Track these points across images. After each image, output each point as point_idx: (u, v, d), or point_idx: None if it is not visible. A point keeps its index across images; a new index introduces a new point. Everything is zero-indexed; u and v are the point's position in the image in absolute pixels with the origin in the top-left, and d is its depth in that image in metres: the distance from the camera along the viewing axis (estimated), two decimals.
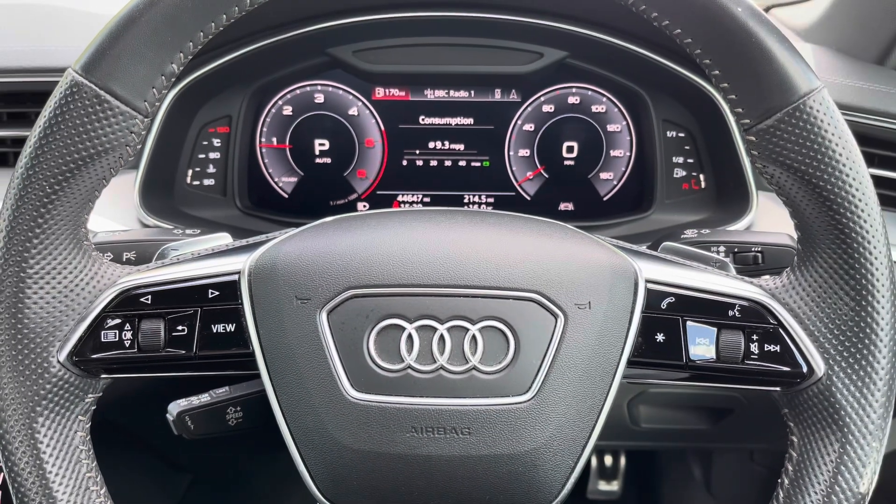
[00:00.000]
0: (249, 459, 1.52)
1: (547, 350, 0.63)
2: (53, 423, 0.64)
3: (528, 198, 1.19)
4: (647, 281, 0.67)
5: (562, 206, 1.20)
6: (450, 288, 0.64)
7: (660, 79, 1.07)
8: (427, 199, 1.19)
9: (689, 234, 0.88)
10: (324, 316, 0.64)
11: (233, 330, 0.66)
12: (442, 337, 0.63)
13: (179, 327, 0.66)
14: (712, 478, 1.72)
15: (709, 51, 0.61)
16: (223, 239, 0.80)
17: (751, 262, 0.83)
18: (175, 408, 0.87)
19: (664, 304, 0.67)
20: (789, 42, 0.60)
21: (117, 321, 0.66)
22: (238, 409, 0.89)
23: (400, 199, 1.19)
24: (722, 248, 0.85)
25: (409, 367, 0.63)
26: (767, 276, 0.68)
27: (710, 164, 1.12)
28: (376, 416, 0.63)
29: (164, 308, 0.66)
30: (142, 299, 0.66)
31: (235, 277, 0.67)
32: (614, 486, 1.86)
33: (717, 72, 0.61)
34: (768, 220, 1.04)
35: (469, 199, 1.19)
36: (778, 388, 0.67)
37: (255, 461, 1.56)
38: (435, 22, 1.04)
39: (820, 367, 0.64)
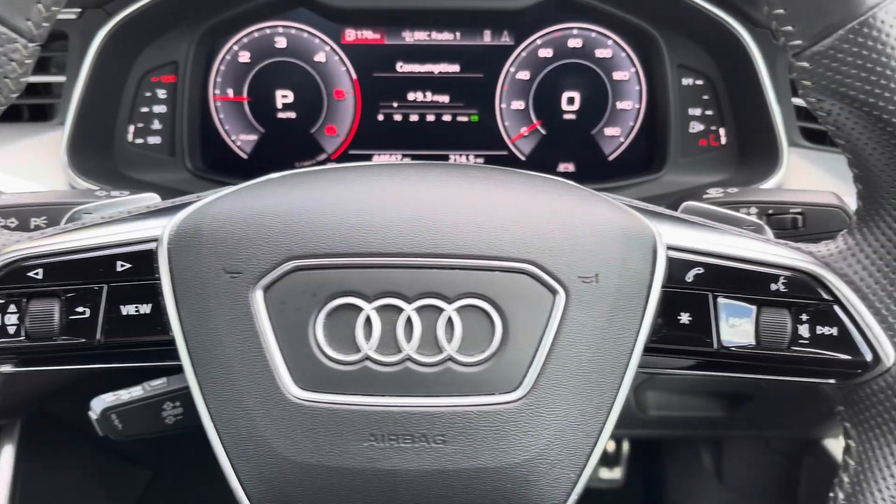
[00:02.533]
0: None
1: (543, 335, 0.50)
2: None
3: (523, 157, 1.05)
4: (669, 247, 0.54)
5: (561, 167, 1.05)
6: (418, 258, 0.50)
7: (675, 15, 0.92)
8: (407, 160, 1.04)
9: (714, 193, 0.74)
10: (258, 294, 0.50)
11: (148, 311, 0.53)
12: (409, 320, 0.50)
13: (79, 309, 0.53)
14: (723, 465, 1.60)
15: None
16: (150, 200, 0.66)
17: (789, 225, 0.69)
18: (99, 404, 0.73)
19: (690, 277, 0.54)
20: None
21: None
22: (177, 403, 0.75)
23: (376, 159, 1.04)
24: (754, 210, 0.71)
25: (368, 358, 0.50)
26: (821, 243, 0.55)
27: (733, 117, 0.97)
28: (326, 420, 0.50)
29: (59, 284, 0.53)
30: (31, 273, 0.52)
31: (152, 246, 0.53)
32: (616, 474, 1.73)
33: None
34: (799, 181, 0.90)
35: (455, 159, 1.04)
36: (832, 381, 0.54)
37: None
38: None
39: (889, 354, 0.51)
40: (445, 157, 1.04)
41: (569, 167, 1.05)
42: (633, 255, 0.52)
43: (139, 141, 0.98)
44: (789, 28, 0.47)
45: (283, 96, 1.01)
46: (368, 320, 0.50)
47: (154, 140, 0.98)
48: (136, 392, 0.74)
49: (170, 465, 1.32)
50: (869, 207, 0.52)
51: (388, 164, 0.60)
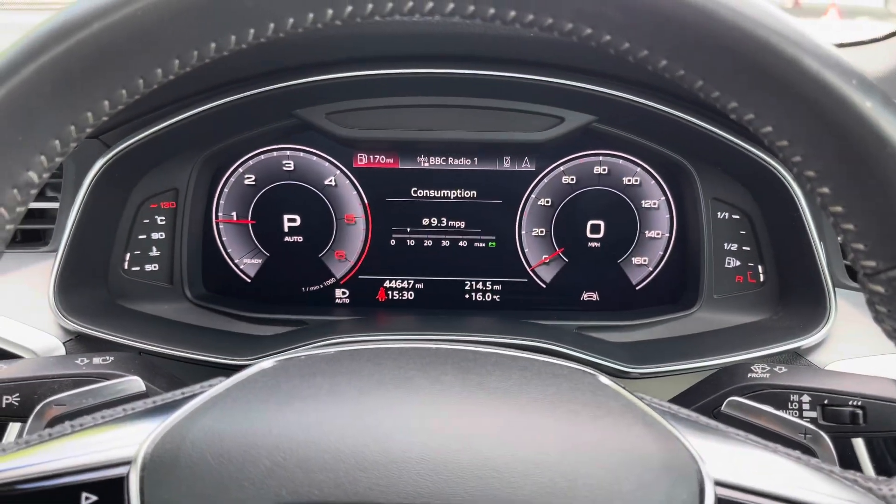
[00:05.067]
0: None
1: None
2: None
3: (544, 285, 0.98)
4: (717, 484, 0.45)
5: (584, 296, 0.98)
6: None
7: (709, 150, 0.85)
8: (420, 286, 0.98)
9: (759, 372, 0.66)
10: None
11: None
12: None
13: None
14: None
15: (814, 159, 0.40)
16: (130, 386, 0.60)
17: (847, 420, 0.61)
18: None
19: None
20: None
21: None
22: None
23: (387, 285, 0.98)
24: (806, 398, 0.63)
25: None
26: (883, 479, 0.47)
27: (773, 255, 0.90)
28: None
29: None
30: None
31: (123, 471, 0.46)
32: None
33: (826, 190, 0.40)
34: (849, 328, 0.82)
35: (471, 285, 0.98)
36: None
37: None
38: (425, 80, 0.83)
39: None
40: (461, 284, 0.98)
41: (593, 296, 0.98)
42: (679, 497, 0.45)
43: (135, 269, 0.92)
44: (860, 247, 0.40)
45: (291, 220, 0.95)
46: None
47: (151, 267, 0.92)
48: None
49: None
50: None
51: (398, 363, 0.53)
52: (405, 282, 0.98)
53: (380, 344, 0.57)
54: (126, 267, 0.92)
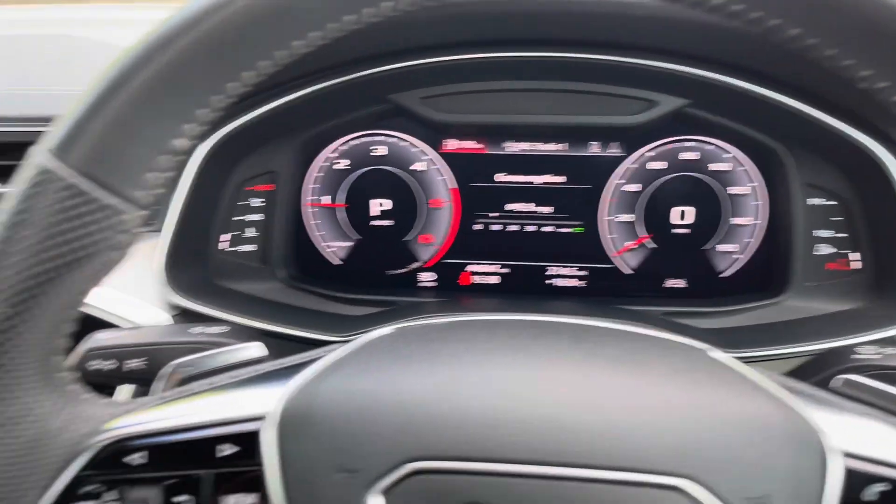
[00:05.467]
0: None
1: None
2: None
3: (628, 271, 0.98)
4: (845, 455, 0.45)
5: (669, 283, 0.98)
6: (556, 467, 0.44)
7: (804, 133, 0.84)
8: (505, 271, 0.99)
9: (867, 354, 0.65)
10: (379, 500, 0.45)
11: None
12: None
13: (181, 498, 0.48)
14: None
15: None
16: (253, 351, 0.62)
17: None
18: None
19: (871, 495, 0.45)
20: None
21: (95, 487, 0.48)
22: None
23: (470, 269, 0.99)
24: None
25: None
26: None
27: (869, 241, 0.88)
28: None
29: (160, 470, 0.48)
30: (127, 459, 0.48)
31: (258, 426, 0.48)
32: None
33: None
34: None
35: (555, 271, 0.98)
36: None
37: None
38: (518, 64, 0.84)
39: None
40: (543, 270, 0.99)
41: (678, 283, 0.98)
42: (804, 465, 0.45)
43: (232, 249, 0.96)
44: None
45: (380, 204, 0.98)
46: None
47: (247, 248, 0.96)
48: None
49: None
50: None
51: (512, 332, 0.54)
52: (489, 266, 0.99)
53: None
54: (223, 247, 0.95)
